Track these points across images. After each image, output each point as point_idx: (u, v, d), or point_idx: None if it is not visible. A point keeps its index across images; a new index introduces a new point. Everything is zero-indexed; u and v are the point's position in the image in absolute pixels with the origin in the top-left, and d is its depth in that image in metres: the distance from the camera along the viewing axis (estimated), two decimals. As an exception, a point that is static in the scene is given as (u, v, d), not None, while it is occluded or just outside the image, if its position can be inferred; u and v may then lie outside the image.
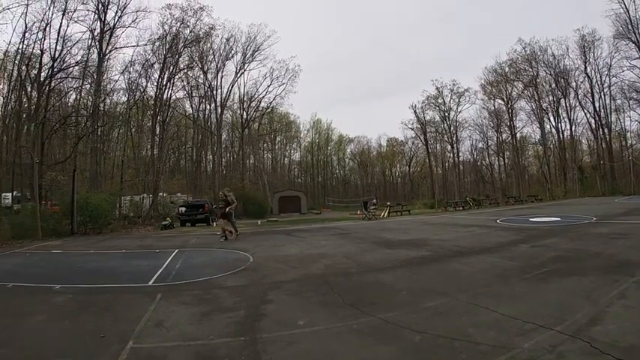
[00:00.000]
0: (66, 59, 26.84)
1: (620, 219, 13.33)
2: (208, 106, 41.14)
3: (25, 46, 26.32)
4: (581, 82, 43.51)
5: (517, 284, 5.40)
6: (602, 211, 16.68)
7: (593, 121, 43.51)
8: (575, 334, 3.39)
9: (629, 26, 36.17)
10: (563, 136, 46.04)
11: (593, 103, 42.74)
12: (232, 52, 39.35)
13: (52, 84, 26.54)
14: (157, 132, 33.93)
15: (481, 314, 4.16)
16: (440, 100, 51.43)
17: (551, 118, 45.80)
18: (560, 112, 45.02)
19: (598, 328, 3.54)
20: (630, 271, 5.60)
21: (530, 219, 15.49)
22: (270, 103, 43.47)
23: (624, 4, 35.73)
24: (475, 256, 7.78)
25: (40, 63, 26.24)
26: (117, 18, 29.95)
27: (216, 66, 39.03)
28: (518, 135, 48.74)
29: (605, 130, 42.91)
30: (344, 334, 3.82)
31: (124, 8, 29.99)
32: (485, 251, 8.34)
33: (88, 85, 29.25)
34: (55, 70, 26.25)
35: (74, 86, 29.25)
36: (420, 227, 15.04)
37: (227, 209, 13.06)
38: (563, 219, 14.37)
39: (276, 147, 62.37)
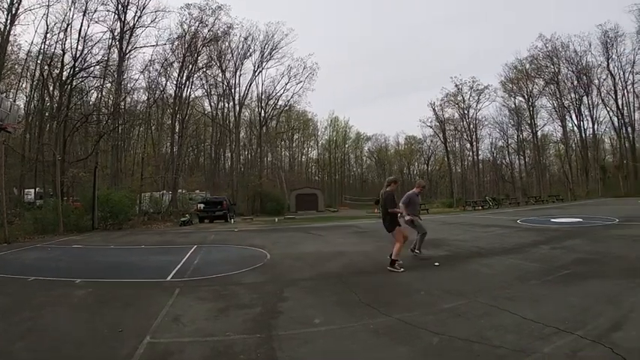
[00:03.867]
0: (87, 59, 27.60)
1: (644, 221, 12.89)
2: (227, 105, 41.72)
3: (46, 47, 27.13)
4: (604, 80, 42.20)
5: (537, 286, 5.31)
6: (625, 212, 16.19)
7: (616, 119, 42.17)
8: (596, 340, 3.31)
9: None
10: (585, 134, 44.69)
11: (616, 100, 41.45)
12: (250, 50, 39.91)
13: (74, 83, 27.25)
14: (177, 130, 34.65)
15: (500, 317, 4.10)
16: (459, 98, 50.34)
17: (573, 116, 44.62)
18: (582, 110, 43.78)
19: (620, 333, 3.45)
20: (655, 274, 5.41)
21: (552, 219, 15.18)
22: (288, 101, 43.91)
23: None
24: (495, 257, 7.68)
25: (62, 63, 26.92)
26: (136, 18, 30.74)
27: (235, 65, 39.63)
28: (539, 133, 47.75)
29: (629, 129, 41.57)
30: (360, 334, 3.82)
31: (144, 8, 30.70)
32: (505, 252, 8.23)
33: (109, 84, 30.03)
34: (77, 69, 26.93)
35: (95, 85, 30.05)
36: (438, 227, 14.73)
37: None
38: (585, 220, 14.02)
39: (294, 145, 62.51)
